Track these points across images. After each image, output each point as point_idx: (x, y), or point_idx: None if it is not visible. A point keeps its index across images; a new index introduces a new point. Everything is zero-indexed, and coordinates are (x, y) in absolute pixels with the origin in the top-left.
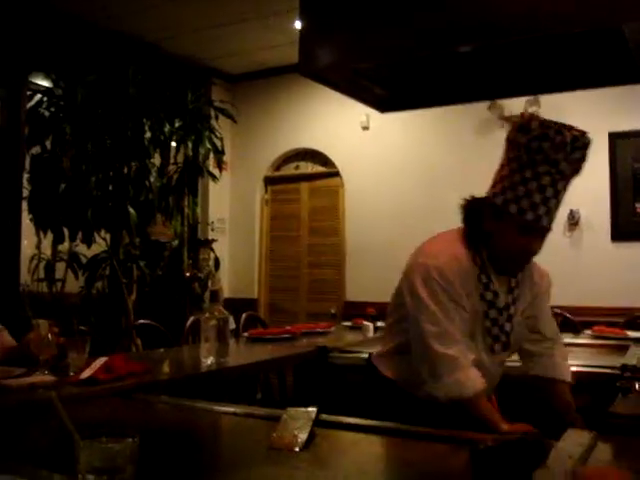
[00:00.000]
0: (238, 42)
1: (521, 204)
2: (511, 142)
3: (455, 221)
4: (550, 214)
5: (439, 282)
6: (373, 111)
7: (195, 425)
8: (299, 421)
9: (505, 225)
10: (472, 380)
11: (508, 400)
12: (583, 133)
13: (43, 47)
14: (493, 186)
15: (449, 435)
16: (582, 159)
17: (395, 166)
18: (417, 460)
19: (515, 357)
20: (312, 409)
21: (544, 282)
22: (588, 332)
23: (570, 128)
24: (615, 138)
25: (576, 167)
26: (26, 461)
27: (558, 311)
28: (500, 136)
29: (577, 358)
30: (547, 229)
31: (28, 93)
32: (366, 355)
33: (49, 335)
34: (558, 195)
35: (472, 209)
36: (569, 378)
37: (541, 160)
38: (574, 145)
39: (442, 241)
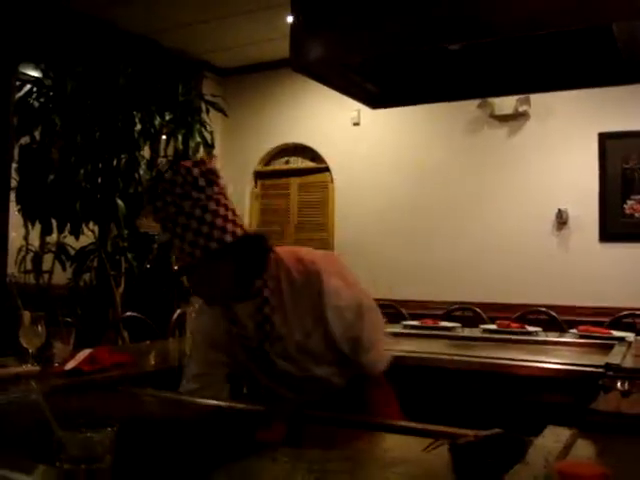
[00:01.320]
0: (230, 36)
1: None
2: None
3: (442, 218)
4: (180, 252)
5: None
6: (364, 107)
7: (179, 417)
8: (282, 415)
9: None
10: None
11: (491, 396)
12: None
13: (33, 37)
14: None
15: (430, 430)
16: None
17: (385, 162)
18: (399, 453)
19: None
20: (294, 402)
21: (307, 280)
22: (573, 331)
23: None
24: (605, 138)
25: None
26: (7, 450)
27: (544, 309)
28: (489, 134)
29: (561, 357)
30: (187, 267)
31: (17, 83)
32: None
33: (38, 326)
34: (171, 235)
35: None
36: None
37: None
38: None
39: None
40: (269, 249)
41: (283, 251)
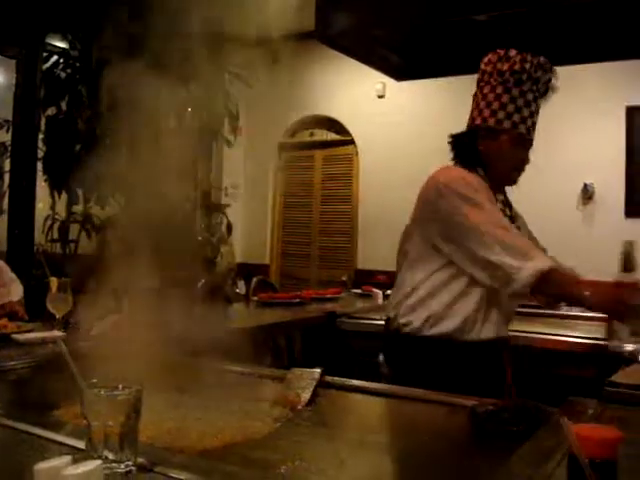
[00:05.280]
0: (255, 6)
1: (513, 119)
2: (491, 72)
3: None
4: (534, 127)
5: (469, 187)
6: (389, 80)
7: (202, 381)
8: (303, 381)
9: (501, 142)
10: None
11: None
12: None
13: (60, 8)
14: (479, 114)
15: (450, 400)
16: (550, 80)
17: (410, 135)
18: (417, 419)
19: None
20: (317, 370)
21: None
22: None
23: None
24: (633, 112)
25: (547, 87)
26: (35, 410)
27: None
28: None
29: (584, 331)
30: (532, 141)
31: (44, 54)
32: (376, 322)
33: (65, 293)
34: (539, 110)
35: (462, 141)
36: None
37: (526, 79)
38: (546, 66)
39: (447, 169)
40: None
41: None
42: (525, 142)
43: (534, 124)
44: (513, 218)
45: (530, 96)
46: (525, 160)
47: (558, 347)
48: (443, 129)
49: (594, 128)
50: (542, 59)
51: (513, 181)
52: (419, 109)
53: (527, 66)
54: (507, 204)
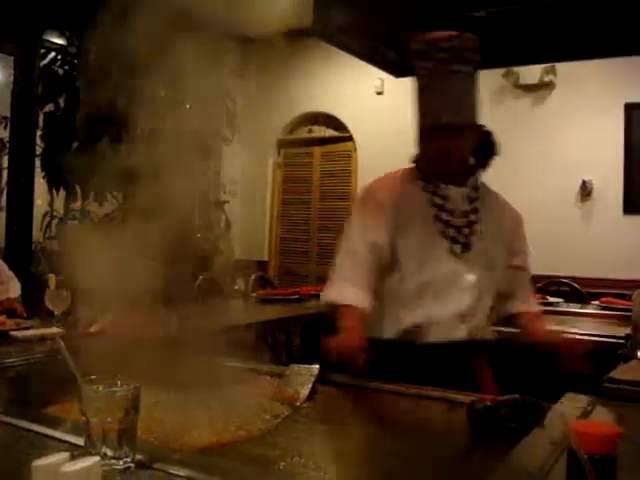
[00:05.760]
0: (252, 4)
1: (418, 115)
2: None
3: None
4: (447, 109)
5: (367, 201)
6: (387, 76)
7: (201, 377)
8: (302, 377)
9: (419, 139)
10: (350, 294)
11: (504, 367)
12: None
13: (57, 4)
14: None
15: (448, 396)
16: (446, 49)
17: (409, 132)
18: (415, 416)
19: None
20: (315, 366)
21: (511, 215)
22: (595, 303)
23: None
24: (631, 109)
25: (447, 60)
26: (33, 407)
27: (566, 281)
28: (514, 104)
29: (582, 328)
30: (450, 125)
31: (42, 51)
32: None
33: (63, 290)
34: (443, 87)
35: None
36: (536, 308)
37: (416, 66)
38: (427, 47)
39: (382, 177)
40: (496, 153)
41: None
42: (430, 132)
43: (441, 107)
44: (470, 212)
45: (423, 81)
46: (443, 149)
47: None
48: None
49: (593, 125)
50: (426, 37)
51: (448, 177)
52: None
53: (412, 57)
54: (457, 197)
